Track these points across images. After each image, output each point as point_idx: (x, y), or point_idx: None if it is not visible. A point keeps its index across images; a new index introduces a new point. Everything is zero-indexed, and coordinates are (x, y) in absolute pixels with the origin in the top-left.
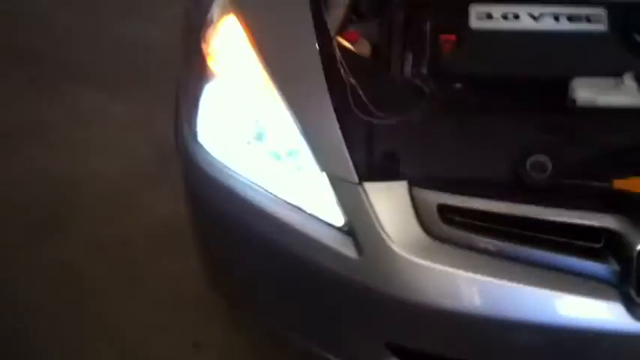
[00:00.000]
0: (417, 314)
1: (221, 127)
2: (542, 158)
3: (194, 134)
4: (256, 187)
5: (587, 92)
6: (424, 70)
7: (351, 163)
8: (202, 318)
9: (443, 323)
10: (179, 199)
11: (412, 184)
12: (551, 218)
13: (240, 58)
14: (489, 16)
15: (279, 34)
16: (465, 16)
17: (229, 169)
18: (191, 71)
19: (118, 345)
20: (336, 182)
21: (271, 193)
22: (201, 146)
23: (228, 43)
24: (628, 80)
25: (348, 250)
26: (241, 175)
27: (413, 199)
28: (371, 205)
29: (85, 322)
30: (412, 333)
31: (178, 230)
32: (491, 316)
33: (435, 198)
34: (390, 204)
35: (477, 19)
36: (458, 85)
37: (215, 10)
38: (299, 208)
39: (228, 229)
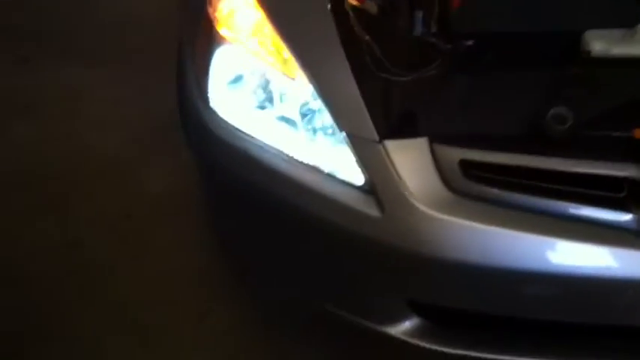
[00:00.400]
0: (440, 270)
1: (234, 92)
2: (562, 110)
3: (206, 100)
4: (273, 150)
5: (601, 43)
6: (434, 28)
7: (370, 121)
8: (207, 290)
9: (466, 278)
10: (177, 172)
11: (433, 140)
12: (574, 169)
13: (249, 20)
14: None
15: None
16: None
17: (244, 133)
18: (196, 37)
19: (125, 319)
20: (356, 141)
21: (288, 155)
22: (214, 112)
23: (236, 6)
24: None
25: (370, 208)
26: (257, 139)
27: (434, 155)
28: (392, 163)
29: (91, 297)
30: (435, 290)
31: (179, 202)
32: (515, 269)
33: (457, 153)
34: (411, 161)
35: None
36: (469, 43)
37: None
38: (317, 169)
39: (245, 194)
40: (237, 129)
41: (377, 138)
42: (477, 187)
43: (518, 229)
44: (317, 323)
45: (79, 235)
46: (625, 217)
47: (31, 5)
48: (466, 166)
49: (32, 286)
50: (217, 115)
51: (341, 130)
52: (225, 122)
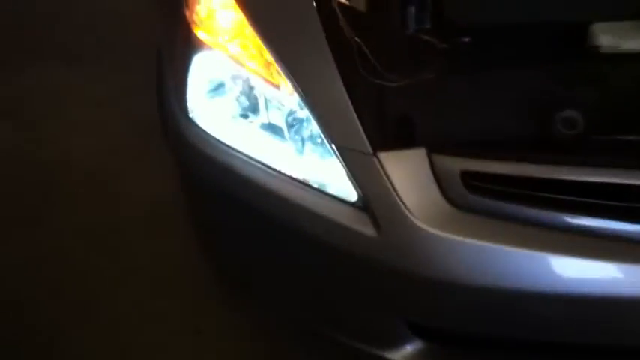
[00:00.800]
0: (442, 292)
1: (214, 100)
2: (571, 113)
3: (184, 110)
4: (258, 164)
5: (611, 37)
6: (428, 24)
7: (362, 132)
8: (202, 303)
9: (471, 300)
10: (164, 178)
11: (431, 150)
12: (588, 179)
13: (229, 22)
14: None
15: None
16: None
17: (226, 145)
18: (174, 42)
19: (118, 337)
20: (347, 154)
21: (275, 170)
22: (193, 123)
23: (214, 7)
24: None
25: (365, 227)
26: (240, 152)
27: (433, 167)
28: (388, 177)
29: (81, 315)
30: (437, 312)
31: (167, 210)
32: (524, 290)
33: (458, 164)
34: (408, 174)
35: None
36: (466, 39)
37: None
38: (307, 185)
39: (229, 211)
40: (218, 141)
41: (370, 150)
42: (481, 200)
43: (527, 246)
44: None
45: (64, 249)
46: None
47: (3, 4)
48: (468, 177)
49: (14, 307)
50: (197, 126)
51: (330, 143)
52: (206, 134)
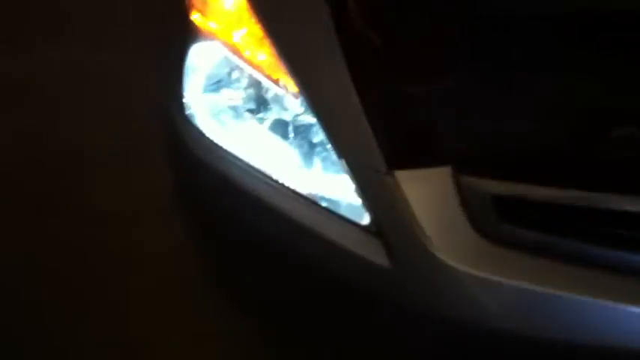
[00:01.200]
0: (469, 340)
1: (212, 97)
2: (631, 130)
3: (180, 107)
4: (257, 174)
5: None
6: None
7: (377, 146)
8: (205, 306)
9: (505, 353)
10: None
11: (458, 170)
12: None
13: (231, 8)
14: None
15: None
16: None
17: (223, 149)
18: (172, 30)
19: (119, 336)
20: (359, 170)
21: (277, 181)
22: (188, 122)
23: None
24: None
25: (377, 255)
26: (239, 159)
27: (460, 189)
28: (405, 200)
29: (82, 315)
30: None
31: None
32: (573, 343)
33: (490, 187)
34: (430, 198)
35: None
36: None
37: None
38: (312, 202)
39: (224, 223)
40: (214, 143)
41: (384, 168)
42: (519, 232)
43: (578, 291)
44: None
45: (66, 238)
46: None
47: None
48: (503, 204)
49: (13, 303)
50: (192, 125)
51: (340, 158)
52: (201, 134)
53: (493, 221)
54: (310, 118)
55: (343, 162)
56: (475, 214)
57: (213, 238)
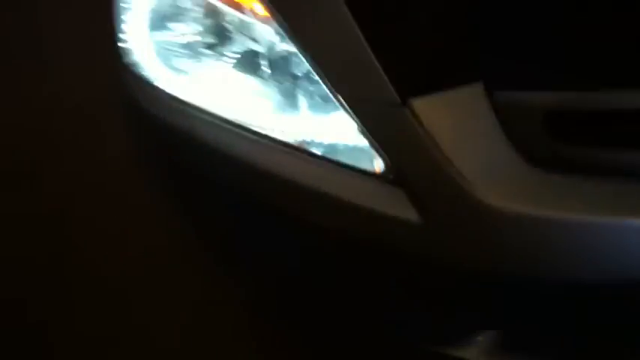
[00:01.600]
0: (531, 295)
1: (158, 36)
2: None
3: (120, 53)
4: (228, 126)
5: None
6: None
7: (383, 73)
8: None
9: (575, 304)
10: None
11: (492, 86)
12: None
13: None
14: None
15: None
16: None
17: (181, 101)
18: None
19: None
20: (363, 106)
21: (255, 132)
22: (132, 71)
23: None
24: None
25: (403, 210)
26: (201, 109)
27: (498, 110)
28: (429, 135)
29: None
30: (524, 322)
31: None
32: None
33: (538, 101)
34: (460, 126)
35: None
36: None
37: None
38: (304, 151)
39: (198, 196)
40: (171, 96)
41: (398, 99)
42: (581, 151)
43: None
44: None
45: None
46: None
47: None
48: (557, 123)
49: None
50: (138, 77)
51: (334, 92)
52: (152, 87)
53: (546, 145)
54: (289, 47)
55: (340, 97)
56: (522, 139)
57: (189, 213)
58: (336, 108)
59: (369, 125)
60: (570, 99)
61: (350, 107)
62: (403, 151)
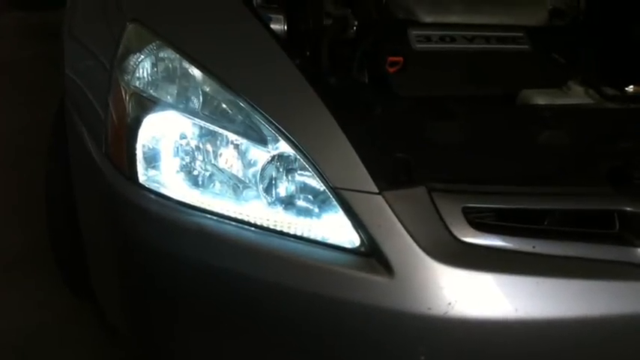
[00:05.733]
0: (474, 333)
1: (172, 164)
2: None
3: (133, 177)
4: (236, 223)
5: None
6: None
7: (365, 170)
8: None
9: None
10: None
11: (431, 189)
12: (574, 207)
13: (179, 72)
14: (428, 39)
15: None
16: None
17: (196, 207)
18: (105, 112)
19: None
20: (350, 195)
21: (258, 225)
22: (146, 189)
23: (162, 63)
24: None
25: (376, 272)
26: (215, 211)
27: (435, 205)
28: (398, 217)
29: None
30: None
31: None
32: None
33: (459, 201)
34: (414, 213)
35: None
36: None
37: (129, 35)
38: (300, 237)
39: (208, 286)
40: (185, 204)
41: (376, 189)
42: (485, 235)
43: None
44: None
45: None
46: (626, 251)
47: None
48: (470, 213)
49: None
50: (153, 192)
51: (330, 186)
52: (167, 198)
53: (465, 228)
54: (289, 151)
55: (332, 190)
56: (450, 223)
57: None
58: (328, 200)
59: (354, 210)
60: (478, 201)
61: (339, 197)
62: (379, 229)
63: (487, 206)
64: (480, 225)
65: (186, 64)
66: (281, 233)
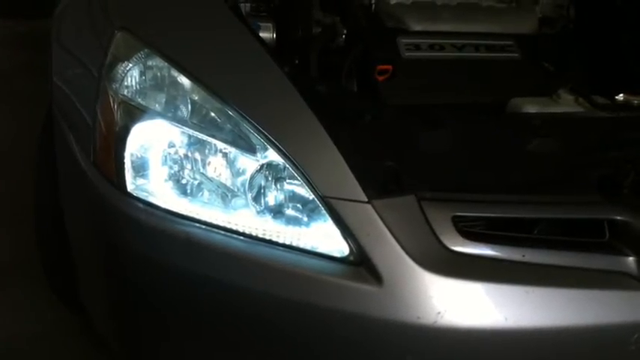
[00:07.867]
0: (464, 342)
1: (162, 171)
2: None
3: (121, 185)
4: (225, 232)
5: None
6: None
7: (355, 179)
8: None
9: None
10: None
11: (420, 197)
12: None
13: (168, 80)
14: (418, 47)
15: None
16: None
17: (186, 217)
18: (93, 121)
19: None
20: (339, 205)
21: (247, 233)
22: (134, 198)
23: (150, 71)
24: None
25: (365, 281)
26: (204, 220)
27: (424, 213)
28: (387, 226)
29: None
30: None
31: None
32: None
33: (449, 210)
34: (403, 222)
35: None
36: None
37: (117, 44)
38: (289, 246)
39: (196, 295)
40: (174, 213)
41: (365, 198)
42: (475, 244)
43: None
44: None
45: None
46: (616, 260)
47: None
48: (459, 222)
49: None
50: (143, 202)
51: (319, 195)
52: (158, 208)
53: (455, 237)
54: (278, 160)
55: (321, 199)
56: (440, 232)
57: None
58: (317, 209)
59: (343, 219)
60: (468, 210)
61: (329, 206)
62: (369, 237)
63: (477, 215)
64: (470, 234)
65: (174, 73)
66: (270, 242)
